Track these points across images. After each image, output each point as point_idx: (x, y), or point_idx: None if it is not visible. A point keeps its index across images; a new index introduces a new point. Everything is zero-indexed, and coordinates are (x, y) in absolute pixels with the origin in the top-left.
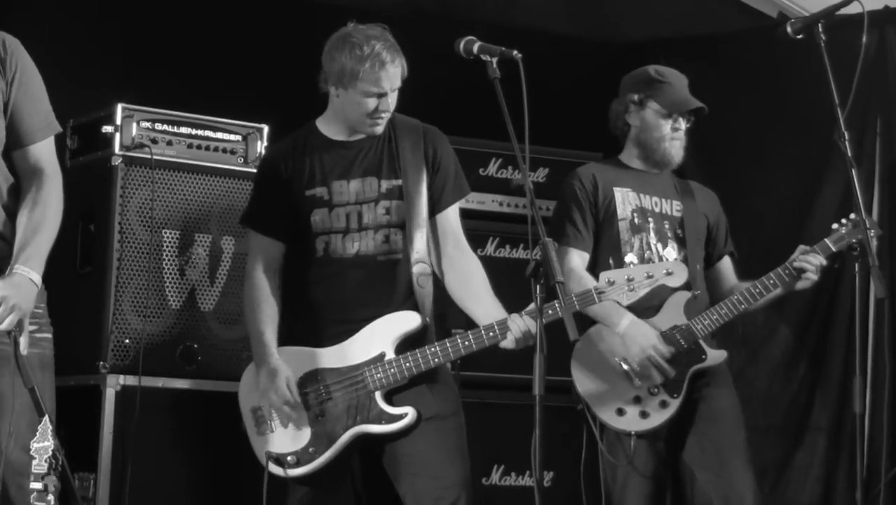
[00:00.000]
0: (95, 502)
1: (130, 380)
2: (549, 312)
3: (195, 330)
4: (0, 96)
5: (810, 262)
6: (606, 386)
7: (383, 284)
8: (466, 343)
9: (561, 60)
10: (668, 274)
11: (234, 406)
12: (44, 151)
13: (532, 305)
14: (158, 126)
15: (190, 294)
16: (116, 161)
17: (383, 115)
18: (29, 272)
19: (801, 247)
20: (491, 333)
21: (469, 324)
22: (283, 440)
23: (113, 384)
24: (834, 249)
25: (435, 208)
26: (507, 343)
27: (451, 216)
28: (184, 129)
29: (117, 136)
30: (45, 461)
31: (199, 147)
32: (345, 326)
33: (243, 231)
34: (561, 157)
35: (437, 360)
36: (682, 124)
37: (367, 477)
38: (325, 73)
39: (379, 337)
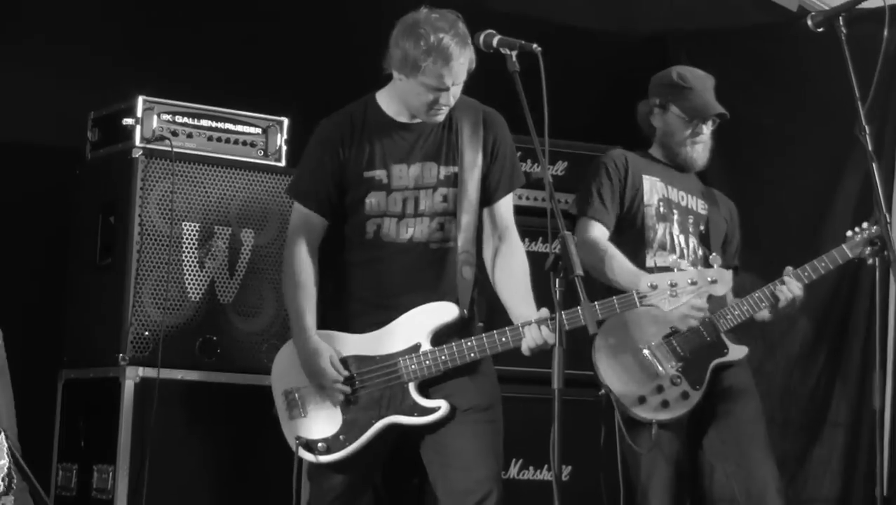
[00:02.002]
0: (114, 494)
1: (149, 372)
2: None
3: (214, 322)
4: None
5: (784, 293)
6: (629, 374)
7: (431, 271)
8: (504, 340)
9: (581, 53)
10: (713, 282)
11: (253, 398)
12: None
13: (544, 311)
14: (179, 118)
15: (209, 286)
16: (137, 153)
17: (443, 108)
18: None
19: (788, 268)
20: (504, 339)
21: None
22: (315, 426)
23: (132, 376)
24: (851, 256)
25: (490, 199)
26: (523, 350)
27: (502, 207)
28: (204, 122)
29: (138, 128)
30: (1, 480)
31: (219, 140)
32: (387, 312)
33: (262, 224)
34: (580, 151)
35: (473, 354)
36: (705, 129)
37: (386, 474)
38: (390, 56)
39: (415, 327)
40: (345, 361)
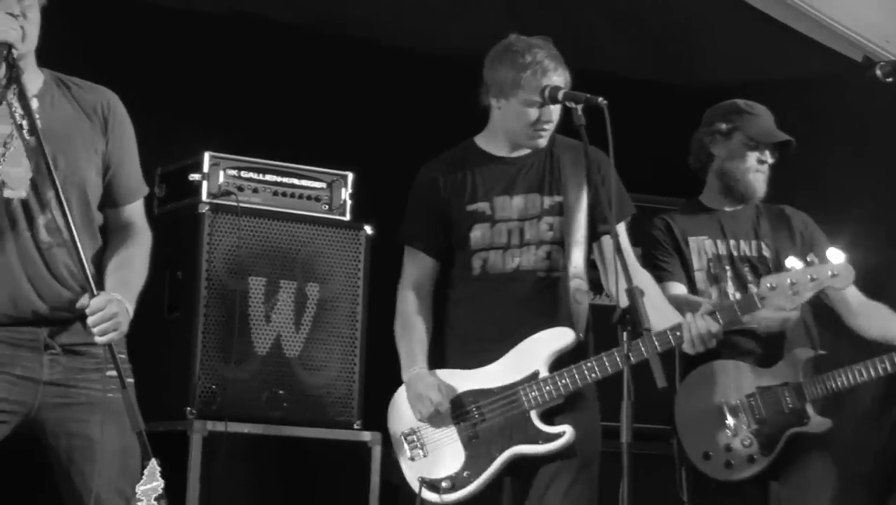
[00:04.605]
0: None
1: (217, 426)
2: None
3: (281, 376)
4: (102, 156)
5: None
6: (702, 427)
7: (542, 300)
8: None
9: (641, 105)
10: (834, 276)
11: (320, 451)
12: (136, 210)
13: (707, 306)
14: (244, 174)
15: (275, 340)
16: (203, 208)
17: (546, 126)
18: (125, 301)
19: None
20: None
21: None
22: (437, 465)
23: (200, 430)
24: None
25: (600, 228)
26: (685, 348)
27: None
28: (269, 177)
29: (204, 183)
30: (154, 501)
31: (284, 194)
32: (502, 343)
33: (328, 278)
34: (643, 203)
35: (594, 375)
36: (768, 157)
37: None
38: (486, 85)
39: (532, 355)
40: (466, 396)
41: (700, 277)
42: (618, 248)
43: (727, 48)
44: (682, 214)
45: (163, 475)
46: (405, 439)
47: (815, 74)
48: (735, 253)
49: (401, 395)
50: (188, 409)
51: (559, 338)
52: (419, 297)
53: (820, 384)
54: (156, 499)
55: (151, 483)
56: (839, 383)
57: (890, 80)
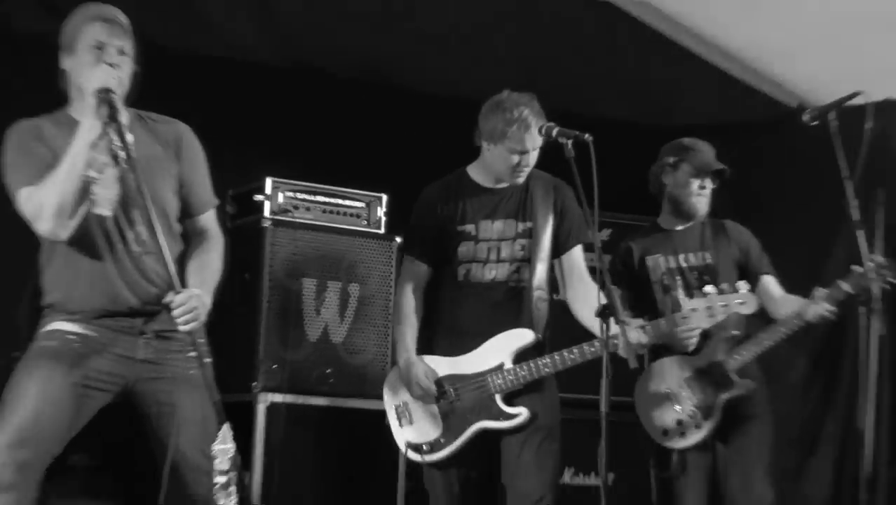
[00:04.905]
0: (251, 493)
1: (277, 397)
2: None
3: (328, 358)
4: (176, 178)
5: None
6: (656, 411)
7: (510, 305)
8: (572, 356)
9: (620, 141)
10: (741, 303)
11: (359, 418)
12: (209, 219)
13: (639, 321)
14: (299, 195)
15: (324, 329)
16: (266, 224)
17: (525, 169)
18: (203, 295)
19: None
20: (592, 348)
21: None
22: (420, 432)
23: (263, 401)
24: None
25: (561, 249)
26: (621, 353)
27: (575, 255)
28: (319, 198)
29: (267, 203)
30: (228, 460)
31: (331, 212)
32: (476, 338)
33: (366, 279)
34: (621, 220)
35: (547, 369)
36: (708, 184)
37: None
38: (479, 130)
39: (499, 349)
40: (444, 379)
41: (657, 289)
42: (600, 257)
43: (691, 97)
44: (643, 237)
45: (234, 438)
46: (396, 410)
47: (759, 119)
48: (684, 265)
49: (394, 375)
50: (254, 384)
51: (521, 337)
52: (415, 295)
53: (737, 355)
54: (230, 458)
55: (225, 444)
56: (752, 352)
57: (815, 123)
